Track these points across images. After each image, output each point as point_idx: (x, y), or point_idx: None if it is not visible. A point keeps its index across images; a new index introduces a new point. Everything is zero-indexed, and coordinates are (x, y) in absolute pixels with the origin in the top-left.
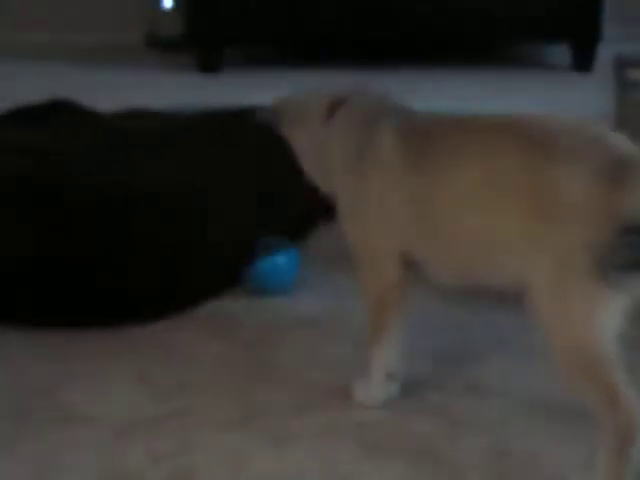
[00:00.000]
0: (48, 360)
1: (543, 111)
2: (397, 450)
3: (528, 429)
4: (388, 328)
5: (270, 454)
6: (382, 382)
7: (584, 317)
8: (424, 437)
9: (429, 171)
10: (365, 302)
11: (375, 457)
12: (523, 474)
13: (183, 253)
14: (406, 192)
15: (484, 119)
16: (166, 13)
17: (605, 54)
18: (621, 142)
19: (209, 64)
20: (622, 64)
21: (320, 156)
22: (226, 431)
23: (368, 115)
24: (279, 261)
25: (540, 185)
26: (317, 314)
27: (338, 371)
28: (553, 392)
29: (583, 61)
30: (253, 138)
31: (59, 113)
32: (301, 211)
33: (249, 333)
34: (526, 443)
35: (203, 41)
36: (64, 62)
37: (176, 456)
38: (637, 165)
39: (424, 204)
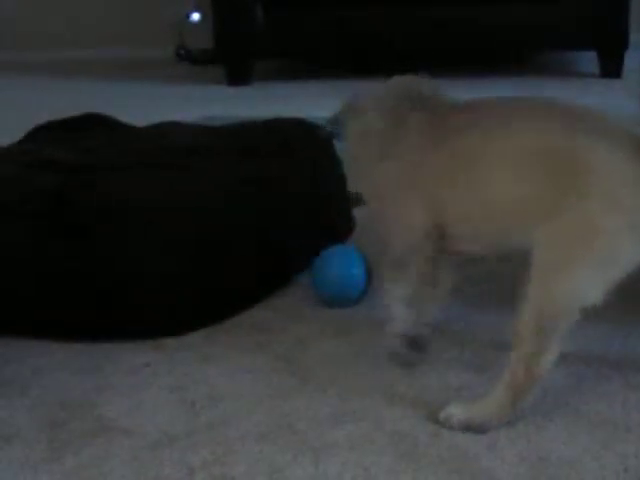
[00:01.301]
0: (84, 373)
1: None
2: (434, 459)
3: (566, 436)
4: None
5: (306, 465)
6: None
7: (578, 278)
8: (460, 446)
9: (460, 148)
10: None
11: (412, 467)
12: None
13: (217, 265)
14: (438, 169)
15: (507, 102)
16: (194, 27)
17: (633, 60)
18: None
19: (238, 77)
20: None
21: None
22: (262, 442)
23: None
24: (351, 271)
25: (572, 158)
26: (352, 325)
27: (373, 381)
28: (589, 397)
29: (611, 68)
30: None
31: (92, 127)
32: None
33: (284, 344)
34: (565, 450)
35: (231, 54)
36: (95, 76)
37: (212, 467)
38: None
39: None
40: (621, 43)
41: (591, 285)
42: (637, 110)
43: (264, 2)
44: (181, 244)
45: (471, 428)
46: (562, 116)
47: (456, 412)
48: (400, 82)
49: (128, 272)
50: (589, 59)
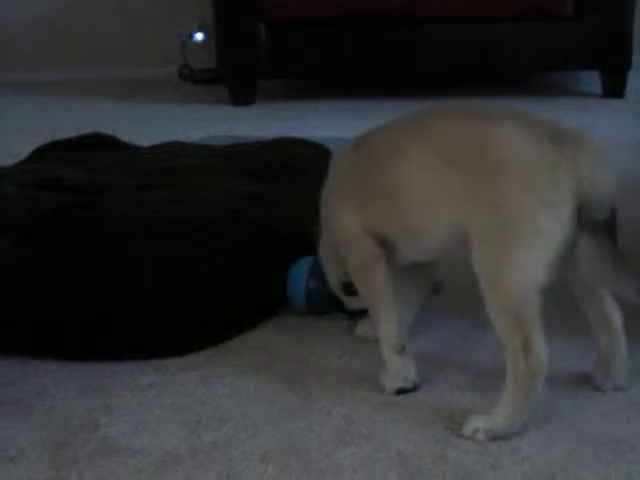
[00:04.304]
0: (88, 393)
1: None
2: (438, 479)
3: (571, 456)
4: (385, 305)
5: None
6: (399, 361)
7: (518, 264)
8: (465, 467)
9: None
10: (355, 281)
11: None
12: None
13: (219, 285)
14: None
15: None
16: (198, 46)
17: (636, 80)
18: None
19: (241, 96)
20: None
21: None
22: (266, 463)
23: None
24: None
25: (480, 147)
26: (355, 345)
27: (377, 402)
28: (592, 417)
29: (614, 88)
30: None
31: (96, 146)
32: None
33: (287, 364)
34: (569, 471)
35: (234, 74)
36: (99, 96)
37: None
38: (572, 135)
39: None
40: (624, 63)
41: (533, 265)
42: (639, 129)
43: (267, 22)
44: (184, 264)
45: (499, 435)
46: (467, 111)
47: (480, 424)
48: None
49: (131, 292)
50: (592, 79)
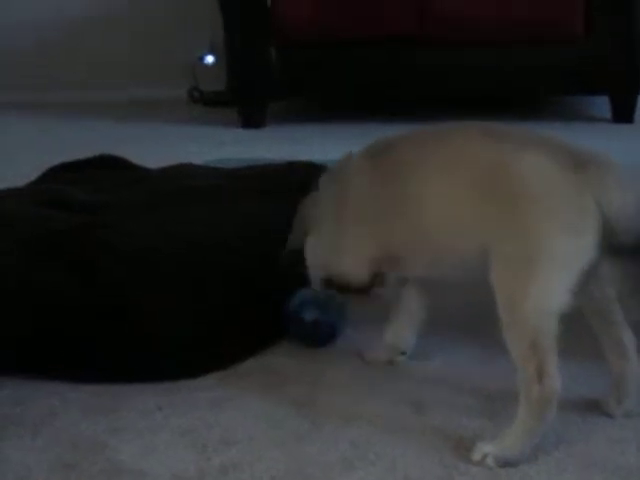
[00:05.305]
0: (96, 414)
1: None
2: None
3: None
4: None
5: None
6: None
7: (537, 290)
8: None
9: (397, 180)
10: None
11: None
12: None
13: (229, 307)
14: (379, 202)
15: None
16: (208, 69)
17: None
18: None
19: (251, 119)
20: None
21: None
22: None
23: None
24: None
25: (502, 173)
26: (365, 369)
27: (386, 426)
28: (602, 444)
29: (624, 113)
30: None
31: (106, 168)
32: None
33: (295, 388)
34: None
35: (244, 96)
36: (109, 117)
37: None
38: (596, 161)
39: (399, 208)
40: (634, 88)
41: (552, 292)
42: None
43: (278, 44)
44: (193, 285)
45: (509, 461)
46: (491, 135)
47: (490, 450)
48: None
49: (141, 314)
50: (601, 103)
